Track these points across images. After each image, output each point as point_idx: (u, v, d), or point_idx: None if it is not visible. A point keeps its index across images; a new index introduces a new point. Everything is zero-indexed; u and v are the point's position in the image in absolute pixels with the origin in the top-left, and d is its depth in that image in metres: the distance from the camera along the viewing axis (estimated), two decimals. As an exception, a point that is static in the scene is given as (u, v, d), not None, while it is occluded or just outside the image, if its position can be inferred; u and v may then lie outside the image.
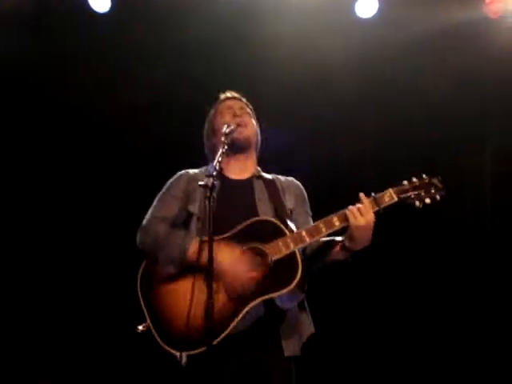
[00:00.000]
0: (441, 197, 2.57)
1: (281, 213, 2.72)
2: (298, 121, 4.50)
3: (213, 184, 2.31)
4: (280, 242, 2.54)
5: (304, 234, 2.56)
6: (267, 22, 4.36)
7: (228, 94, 3.04)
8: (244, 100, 3.04)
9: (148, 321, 2.61)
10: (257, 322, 2.53)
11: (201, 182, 2.32)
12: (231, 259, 2.51)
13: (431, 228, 4.55)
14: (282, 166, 3.12)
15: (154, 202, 2.87)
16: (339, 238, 2.63)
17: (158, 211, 2.81)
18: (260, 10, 4.36)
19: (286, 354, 2.63)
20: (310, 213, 2.91)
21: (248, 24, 4.41)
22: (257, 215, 2.68)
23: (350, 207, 2.52)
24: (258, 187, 2.83)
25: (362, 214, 2.50)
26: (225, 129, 2.70)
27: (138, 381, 4.53)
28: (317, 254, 2.70)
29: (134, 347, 2.93)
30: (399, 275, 4.65)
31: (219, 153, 2.54)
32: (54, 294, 4.74)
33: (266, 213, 2.71)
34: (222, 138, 2.63)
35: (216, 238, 2.51)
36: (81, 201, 4.82)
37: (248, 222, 2.61)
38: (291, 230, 2.61)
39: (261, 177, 2.89)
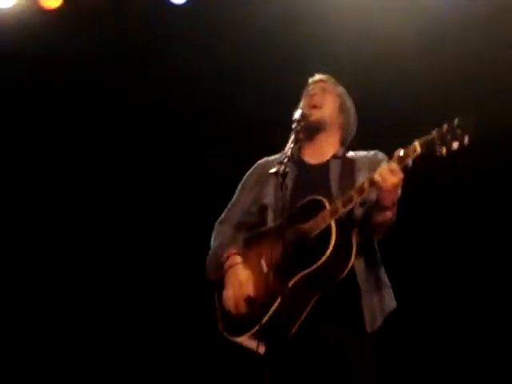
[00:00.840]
0: (469, 139, 2.30)
1: (347, 191, 2.67)
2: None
3: (284, 170, 2.34)
4: (319, 217, 2.56)
5: (339, 204, 2.54)
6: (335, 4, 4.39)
7: (315, 77, 3.00)
8: (331, 80, 2.99)
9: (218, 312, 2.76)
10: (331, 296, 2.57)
11: (272, 170, 2.37)
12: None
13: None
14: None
15: (233, 198, 2.96)
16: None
17: (231, 212, 2.94)
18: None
19: (369, 330, 2.63)
20: None
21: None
22: (331, 198, 2.67)
23: (379, 169, 2.46)
24: (334, 168, 2.82)
25: (388, 175, 2.42)
26: (295, 115, 2.71)
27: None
28: (364, 219, 2.66)
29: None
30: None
31: (290, 140, 2.57)
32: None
33: (337, 193, 2.70)
34: (293, 125, 2.65)
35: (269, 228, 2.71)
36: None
37: (299, 204, 2.65)
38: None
39: (339, 157, 2.86)
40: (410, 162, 2.42)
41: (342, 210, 2.53)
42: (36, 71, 4.66)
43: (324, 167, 2.83)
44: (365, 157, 2.88)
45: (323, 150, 2.87)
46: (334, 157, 2.86)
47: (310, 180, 2.79)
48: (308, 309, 2.57)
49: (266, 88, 4.47)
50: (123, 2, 4.57)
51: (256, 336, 2.56)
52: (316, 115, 2.81)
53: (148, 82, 4.69)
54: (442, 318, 4.51)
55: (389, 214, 2.55)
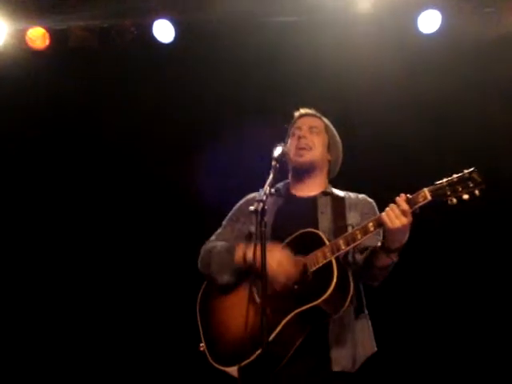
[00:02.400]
0: (480, 191, 2.34)
1: (339, 227, 2.70)
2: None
3: (263, 209, 2.34)
4: (319, 252, 2.54)
5: (341, 242, 2.53)
6: (325, 35, 4.40)
7: (301, 111, 3.01)
8: (317, 115, 3.00)
9: (202, 340, 2.72)
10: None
11: (251, 208, 2.36)
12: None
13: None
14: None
15: (220, 228, 2.97)
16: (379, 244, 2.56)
17: (219, 235, 2.93)
18: (319, 22, 4.40)
19: (335, 368, 2.59)
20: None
21: (305, 36, 4.44)
22: (317, 228, 2.67)
23: (387, 210, 2.45)
24: (323, 203, 2.82)
25: (397, 217, 2.42)
26: (275, 153, 2.66)
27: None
28: (366, 263, 2.64)
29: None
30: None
31: (269, 178, 2.54)
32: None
33: (326, 227, 2.70)
34: (273, 163, 2.61)
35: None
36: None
37: (296, 233, 2.64)
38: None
39: (329, 193, 2.87)
40: (418, 207, 2.42)
41: (344, 249, 2.52)
42: (23, 108, 4.71)
43: (311, 201, 2.84)
44: (355, 197, 2.89)
45: (312, 186, 2.90)
46: (324, 193, 2.87)
47: (295, 210, 2.79)
48: (297, 345, 2.54)
49: (251, 126, 4.46)
50: (110, 42, 4.59)
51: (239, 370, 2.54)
52: (306, 157, 2.84)
53: (135, 120, 4.74)
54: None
55: (393, 257, 2.54)
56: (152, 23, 4.56)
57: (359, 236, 2.51)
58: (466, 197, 2.35)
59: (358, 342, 2.67)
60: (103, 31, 4.60)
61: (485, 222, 4.43)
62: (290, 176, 2.95)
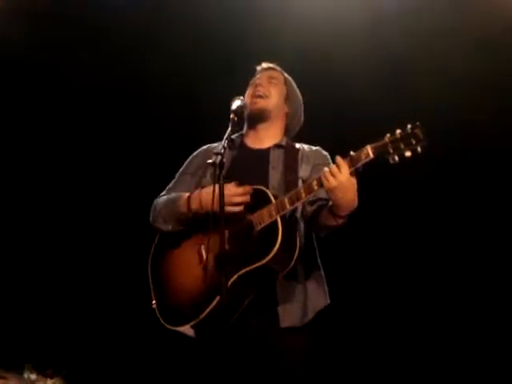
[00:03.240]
0: (422, 148, 2.26)
1: (290, 181, 2.69)
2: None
3: (221, 161, 2.33)
4: (264, 211, 2.51)
5: (286, 200, 2.49)
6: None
7: (263, 65, 3.00)
8: (277, 68, 2.98)
9: (153, 298, 2.74)
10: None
11: (209, 161, 2.36)
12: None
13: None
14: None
15: (172, 181, 2.94)
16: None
17: (170, 189, 2.90)
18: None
19: (282, 324, 2.59)
20: None
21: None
22: (267, 184, 2.67)
23: (324, 169, 2.41)
24: (275, 156, 2.80)
25: (333, 175, 2.36)
26: (233, 105, 2.66)
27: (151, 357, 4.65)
28: (312, 219, 2.65)
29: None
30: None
31: (228, 131, 2.53)
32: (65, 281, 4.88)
33: (275, 181, 2.70)
34: (231, 115, 2.61)
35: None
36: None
37: None
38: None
39: (281, 146, 2.85)
40: (361, 165, 2.36)
41: (289, 208, 2.50)
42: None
43: (264, 154, 2.82)
44: (309, 150, 2.87)
45: (265, 137, 2.87)
46: (276, 146, 2.85)
47: (247, 164, 2.78)
48: (246, 303, 2.55)
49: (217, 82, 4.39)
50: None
51: (193, 326, 2.58)
52: (261, 104, 2.82)
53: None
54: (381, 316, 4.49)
55: (339, 221, 2.52)
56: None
57: (303, 195, 2.47)
58: (408, 154, 2.27)
59: (308, 296, 2.67)
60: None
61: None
62: (245, 126, 2.92)
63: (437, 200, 4.45)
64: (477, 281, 4.36)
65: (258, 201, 2.55)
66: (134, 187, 4.72)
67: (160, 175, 3.09)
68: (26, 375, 4.28)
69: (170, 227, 2.76)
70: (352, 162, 2.36)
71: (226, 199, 2.40)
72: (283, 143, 2.87)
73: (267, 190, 2.58)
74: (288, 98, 2.92)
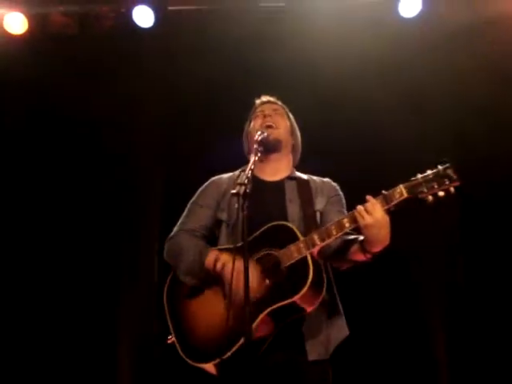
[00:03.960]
0: (455, 188, 2.29)
1: (309, 216, 2.67)
2: (335, 123, 4.47)
3: (245, 192, 2.28)
4: (292, 247, 2.47)
5: (316, 237, 2.47)
6: (307, 23, 4.39)
7: (263, 99, 2.99)
8: (279, 103, 2.98)
9: (172, 333, 2.63)
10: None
11: (233, 191, 2.30)
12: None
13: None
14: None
15: (184, 212, 2.86)
16: (362, 238, 2.49)
17: (185, 223, 2.81)
18: (301, 10, 4.42)
19: (310, 357, 2.56)
20: (345, 212, 2.74)
21: (287, 24, 4.44)
22: (286, 217, 2.64)
23: (358, 207, 2.40)
24: (290, 188, 2.78)
25: (368, 212, 2.36)
26: (257, 136, 2.67)
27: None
28: (337, 253, 2.61)
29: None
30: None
31: (252, 160, 2.52)
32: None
33: (295, 215, 2.67)
34: (255, 146, 2.61)
35: (226, 247, 2.60)
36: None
37: (265, 227, 2.56)
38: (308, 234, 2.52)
39: (294, 178, 2.83)
40: (392, 204, 2.36)
41: (320, 244, 2.47)
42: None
43: (279, 186, 2.79)
44: (320, 182, 2.85)
45: (277, 169, 2.84)
46: (289, 177, 2.82)
47: (264, 197, 2.71)
48: (271, 339, 2.49)
49: (224, 114, 4.44)
50: (90, 27, 4.56)
51: (216, 365, 2.51)
52: (274, 134, 2.78)
53: (114, 102, 4.67)
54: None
55: (369, 257, 2.48)
56: (132, 9, 4.55)
57: (334, 232, 2.46)
58: (441, 194, 2.30)
59: (330, 328, 2.64)
60: (82, 17, 4.57)
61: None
62: (254, 159, 2.68)
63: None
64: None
65: (284, 236, 2.51)
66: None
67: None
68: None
69: (190, 282, 2.66)
70: (386, 201, 2.37)
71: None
72: (294, 175, 2.85)
73: (293, 226, 2.54)
74: (292, 132, 2.91)
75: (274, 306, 2.43)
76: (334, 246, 2.61)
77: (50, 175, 4.83)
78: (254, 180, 2.70)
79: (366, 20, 4.38)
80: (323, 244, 2.47)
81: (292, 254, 2.47)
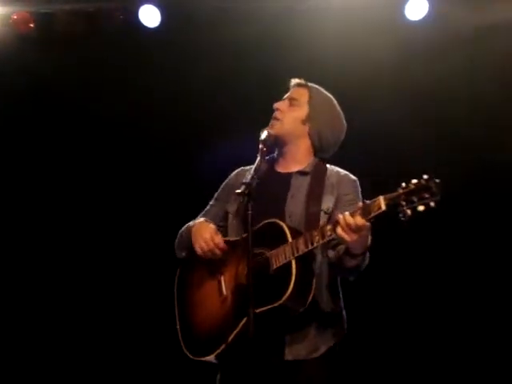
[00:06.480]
0: (435, 203, 2.13)
1: (312, 213, 2.61)
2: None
3: (249, 192, 2.29)
4: (280, 250, 2.44)
5: (301, 241, 2.42)
6: (312, 25, 4.37)
7: (292, 82, 2.89)
8: (304, 83, 2.85)
9: (177, 325, 2.73)
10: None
11: (237, 191, 2.32)
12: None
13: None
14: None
15: (207, 207, 2.93)
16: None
17: (203, 215, 2.88)
18: (305, 11, 4.41)
19: (288, 357, 2.55)
20: None
21: (296, 24, 4.42)
22: (283, 213, 2.61)
23: (341, 222, 2.30)
24: (297, 183, 2.71)
25: (345, 232, 2.30)
26: (262, 135, 2.64)
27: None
28: (336, 265, 2.57)
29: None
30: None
31: (256, 161, 2.52)
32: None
33: (294, 211, 2.63)
34: (260, 145, 2.59)
35: (228, 239, 2.64)
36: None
37: (261, 223, 2.53)
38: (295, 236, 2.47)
39: (307, 173, 2.74)
40: (370, 217, 2.27)
41: (304, 250, 2.42)
42: (7, 93, 4.66)
43: (285, 179, 2.74)
44: (337, 175, 2.76)
45: (292, 161, 2.78)
46: (300, 172, 2.75)
47: (268, 188, 2.65)
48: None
49: (238, 110, 4.45)
50: (96, 26, 4.57)
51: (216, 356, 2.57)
52: (274, 129, 2.72)
53: (122, 103, 4.69)
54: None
55: (359, 261, 2.45)
56: (138, 8, 4.54)
57: (317, 238, 2.40)
58: (420, 208, 2.15)
59: (319, 329, 2.61)
60: (89, 16, 4.57)
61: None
62: (258, 158, 2.67)
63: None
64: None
65: (276, 237, 2.49)
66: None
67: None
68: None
69: (183, 254, 2.78)
70: (364, 213, 2.28)
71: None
72: (308, 169, 2.75)
73: (285, 227, 2.49)
74: (310, 118, 2.77)
75: (262, 309, 2.40)
76: (333, 259, 2.55)
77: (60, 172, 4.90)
78: (269, 172, 2.77)
79: (372, 22, 4.35)
80: (307, 250, 2.41)
81: (279, 257, 2.45)
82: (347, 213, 2.30)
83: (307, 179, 2.72)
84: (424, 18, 4.35)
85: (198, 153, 4.67)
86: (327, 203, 2.64)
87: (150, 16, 4.55)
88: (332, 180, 2.72)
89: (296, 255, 2.42)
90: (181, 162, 4.79)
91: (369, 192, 2.48)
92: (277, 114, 2.77)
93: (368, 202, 2.29)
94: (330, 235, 2.37)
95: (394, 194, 2.21)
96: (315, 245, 2.42)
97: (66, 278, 4.88)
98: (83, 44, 4.62)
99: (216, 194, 2.93)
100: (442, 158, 4.37)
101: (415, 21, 4.38)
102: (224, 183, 2.92)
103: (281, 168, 2.80)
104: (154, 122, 4.77)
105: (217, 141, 4.59)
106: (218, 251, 2.60)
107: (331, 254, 2.56)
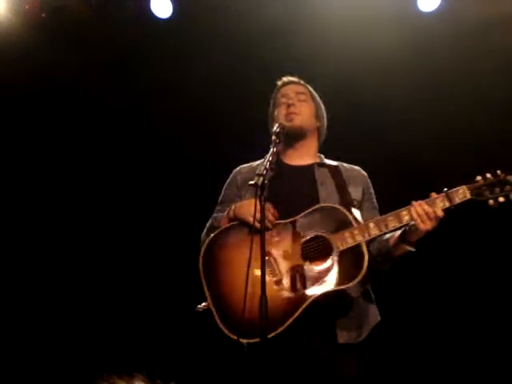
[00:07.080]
0: None
1: (346, 202, 2.66)
2: (352, 114, 4.45)
3: (263, 183, 2.31)
4: (346, 233, 2.47)
5: (372, 225, 2.48)
6: (325, 15, 4.37)
7: (284, 79, 2.97)
8: (302, 82, 2.96)
9: (209, 300, 2.56)
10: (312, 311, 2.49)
11: (251, 182, 2.33)
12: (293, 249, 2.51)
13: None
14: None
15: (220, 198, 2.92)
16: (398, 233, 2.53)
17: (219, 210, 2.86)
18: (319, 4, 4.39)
19: (340, 340, 2.57)
20: (377, 206, 2.83)
21: (307, 11, 4.42)
22: (318, 200, 2.64)
23: (418, 209, 2.42)
24: (320, 173, 2.78)
25: (430, 218, 2.41)
26: (275, 128, 2.68)
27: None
28: (383, 252, 2.62)
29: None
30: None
31: (270, 152, 2.55)
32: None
33: (327, 199, 2.66)
34: (273, 137, 2.62)
35: (280, 221, 2.59)
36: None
37: (315, 207, 2.56)
38: (358, 221, 2.55)
39: (323, 164, 2.83)
40: (454, 204, 2.41)
41: (376, 234, 2.49)
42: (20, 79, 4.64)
43: (308, 170, 2.79)
44: (351, 169, 2.85)
45: (304, 154, 2.85)
46: (320, 164, 2.82)
47: (293, 179, 2.73)
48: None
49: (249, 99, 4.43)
50: (107, 16, 4.54)
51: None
52: (296, 122, 2.78)
53: (132, 93, 4.69)
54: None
55: (412, 247, 2.51)
56: (150, -1, 4.53)
57: (392, 223, 2.48)
58: (501, 199, 2.36)
59: (364, 314, 2.66)
60: (100, 5, 4.56)
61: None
62: (272, 150, 2.71)
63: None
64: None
65: (335, 220, 2.51)
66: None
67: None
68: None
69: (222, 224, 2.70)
70: (448, 200, 2.40)
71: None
72: (323, 162, 2.85)
73: (347, 212, 2.53)
74: (318, 115, 2.90)
75: (322, 294, 2.43)
76: (374, 251, 2.62)
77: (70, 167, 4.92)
78: (280, 165, 2.80)
79: (385, 14, 4.34)
80: (379, 233, 2.49)
81: (346, 239, 2.47)
82: (424, 201, 2.42)
83: (326, 171, 2.79)
84: (437, 9, 4.36)
85: (212, 141, 4.66)
86: (356, 194, 2.74)
87: (161, 6, 4.53)
88: (348, 173, 2.81)
89: (367, 238, 2.47)
90: (194, 151, 4.76)
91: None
92: (292, 108, 2.81)
93: (449, 190, 2.41)
94: (408, 221, 2.45)
95: (476, 183, 2.39)
96: (389, 229, 2.49)
97: (68, 274, 4.89)
98: (94, 34, 4.60)
99: (220, 198, 2.92)
100: (451, 149, 4.37)
101: (428, 12, 4.38)
102: (226, 185, 2.93)
103: (292, 161, 2.84)
104: (166, 113, 4.74)
105: (230, 128, 4.58)
106: (271, 217, 2.56)
107: (372, 246, 2.62)
